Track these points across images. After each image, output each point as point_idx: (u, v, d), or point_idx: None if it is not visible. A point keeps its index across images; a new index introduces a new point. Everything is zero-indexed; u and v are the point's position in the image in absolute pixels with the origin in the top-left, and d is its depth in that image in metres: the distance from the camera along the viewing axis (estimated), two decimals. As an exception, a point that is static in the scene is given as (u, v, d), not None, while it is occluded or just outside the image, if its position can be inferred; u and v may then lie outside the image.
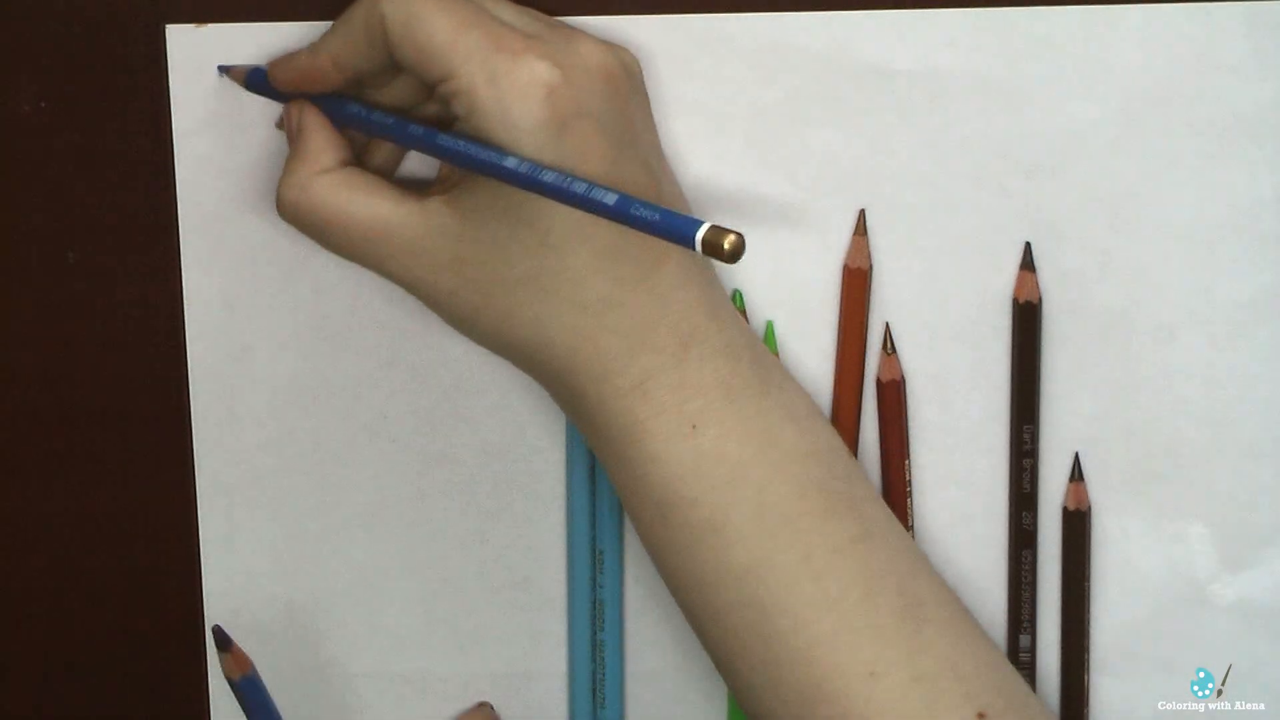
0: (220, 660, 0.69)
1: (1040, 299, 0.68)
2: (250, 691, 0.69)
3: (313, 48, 0.64)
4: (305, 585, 0.71)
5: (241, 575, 0.70)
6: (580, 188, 0.58)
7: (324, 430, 0.70)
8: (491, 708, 0.71)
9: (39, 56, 0.68)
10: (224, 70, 0.67)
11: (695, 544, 0.63)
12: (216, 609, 0.71)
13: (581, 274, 0.62)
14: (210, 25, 0.67)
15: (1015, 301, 0.68)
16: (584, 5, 0.66)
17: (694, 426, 0.62)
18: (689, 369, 0.63)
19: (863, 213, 0.68)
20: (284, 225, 0.68)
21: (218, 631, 0.69)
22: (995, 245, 0.68)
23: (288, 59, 0.65)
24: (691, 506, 0.63)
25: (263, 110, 0.68)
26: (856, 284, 0.68)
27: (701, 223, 0.54)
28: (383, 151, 0.67)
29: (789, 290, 0.68)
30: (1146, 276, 0.68)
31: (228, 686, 0.72)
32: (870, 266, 0.68)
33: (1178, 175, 0.67)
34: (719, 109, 0.67)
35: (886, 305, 0.69)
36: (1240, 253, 0.68)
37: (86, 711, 0.73)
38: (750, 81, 0.67)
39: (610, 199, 0.57)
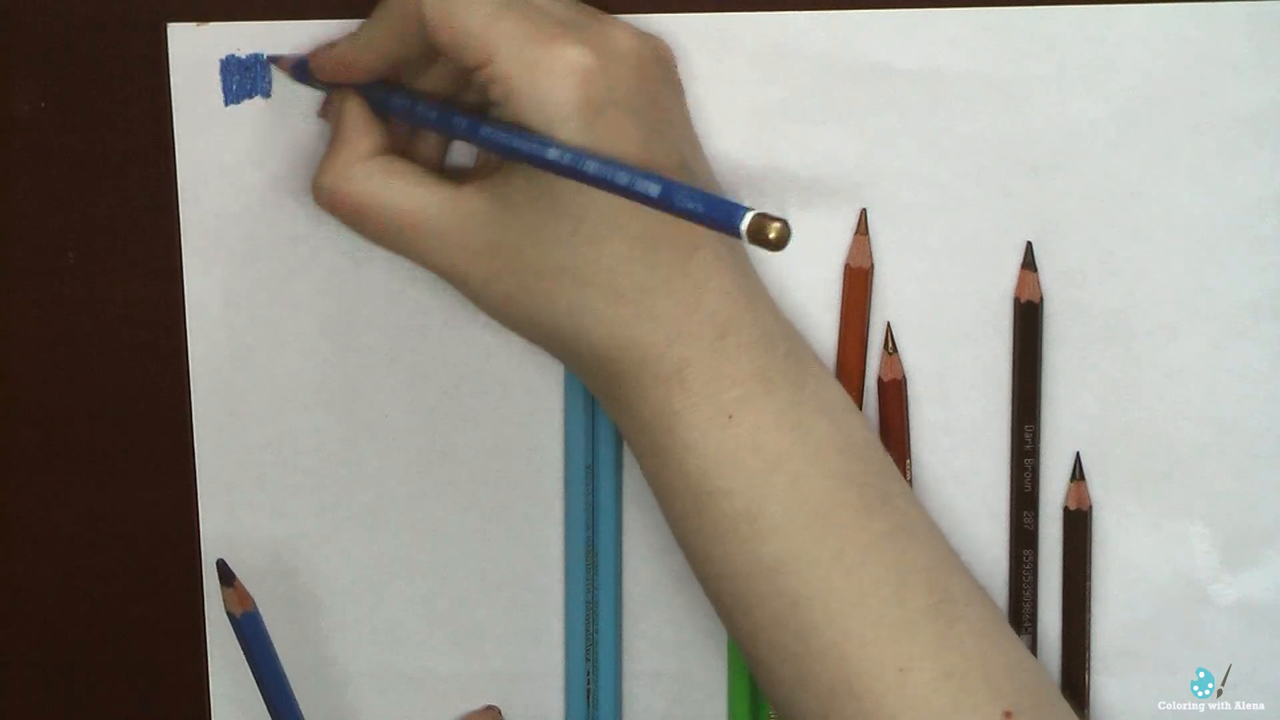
0: (223, 595, 0.70)
1: (1042, 298, 0.68)
2: (251, 628, 0.70)
3: (352, 36, 0.65)
4: (305, 584, 0.71)
5: (242, 575, 0.70)
6: (624, 178, 0.58)
7: (324, 430, 0.70)
8: (499, 712, 0.71)
9: (39, 56, 0.68)
10: (273, 60, 0.67)
11: (728, 535, 0.63)
12: (217, 608, 0.71)
13: (616, 262, 0.62)
14: (211, 24, 0.67)
15: (1016, 301, 0.68)
16: (591, 2, 0.66)
17: (730, 416, 0.62)
18: (725, 358, 0.63)
19: (864, 212, 0.68)
20: (284, 225, 0.69)
21: (221, 566, 0.70)
22: (997, 245, 0.68)
23: (328, 48, 0.65)
24: (726, 497, 0.63)
25: (264, 110, 0.68)
26: (858, 283, 0.68)
27: (746, 210, 0.54)
28: (428, 142, 0.67)
29: (790, 289, 0.68)
30: (1148, 276, 0.68)
31: (229, 686, 0.72)
32: (872, 266, 0.68)
33: (1179, 175, 0.67)
34: (720, 108, 0.67)
35: (888, 304, 0.69)
36: (1241, 253, 0.68)
37: (86, 711, 0.73)
38: (752, 80, 0.67)
39: (654, 189, 0.57)
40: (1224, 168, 0.67)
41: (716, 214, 0.55)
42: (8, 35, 0.68)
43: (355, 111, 0.65)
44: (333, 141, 0.65)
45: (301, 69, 0.66)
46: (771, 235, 0.54)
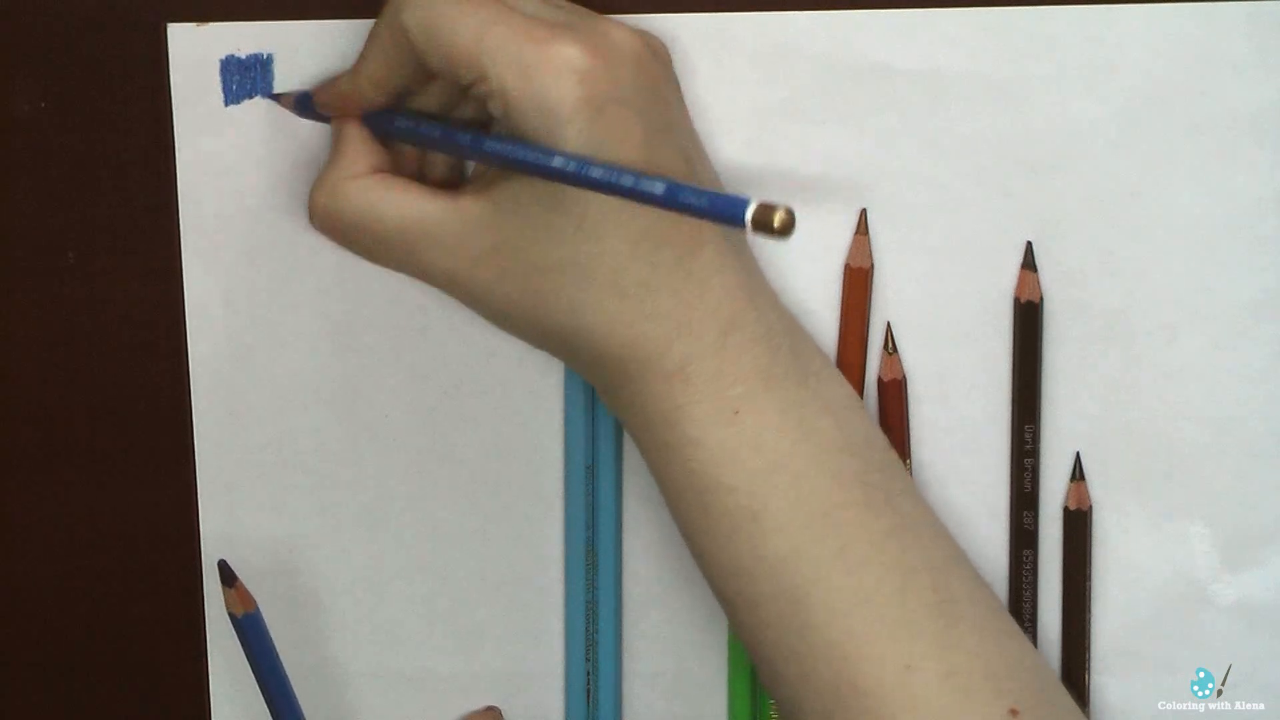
0: (224, 596, 0.70)
1: (1041, 298, 0.68)
2: (252, 629, 0.70)
3: (351, 71, 0.64)
4: (305, 584, 0.71)
5: (242, 575, 0.70)
6: (628, 180, 0.58)
7: (324, 430, 0.70)
8: (499, 712, 0.71)
9: (39, 56, 0.68)
10: (275, 98, 0.67)
11: (733, 532, 0.63)
12: (217, 608, 0.71)
13: (619, 259, 0.62)
14: (211, 24, 0.67)
15: (1016, 301, 0.68)
16: (587, 5, 0.65)
17: (735, 412, 0.62)
18: (728, 356, 0.63)
19: (864, 212, 0.68)
20: (284, 225, 0.69)
21: (223, 567, 0.70)
22: (997, 244, 0.68)
23: (330, 85, 0.65)
24: (730, 493, 0.63)
25: (263, 110, 0.68)
26: (858, 283, 0.68)
27: (749, 201, 0.54)
28: (437, 163, 0.67)
29: (790, 289, 0.68)
30: (1148, 276, 0.68)
31: (229, 687, 0.72)
32: (872, 266, 0.68)
33: (1179, 175, 0.67)
34: (721, 108, 0.67)
35: (888, 304, 0.69)
36: (1241, 253, 0.68)
37: (86, 711, 0.73)
38: (752, 80, 0.67)
39: (659, 188, 0.57)
40: (1224, 168, 0.67)
41: (720, 208, 0.55)
42: (8, 35, 0.68)
43: (351, 133, 0.65)
44: (327, 162, 0.65)
45: (305, 104, 0.66)
46: (776, 223, 0.54)
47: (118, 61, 0.68)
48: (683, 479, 0.63)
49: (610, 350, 0.63)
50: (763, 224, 0.54)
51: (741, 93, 0.67)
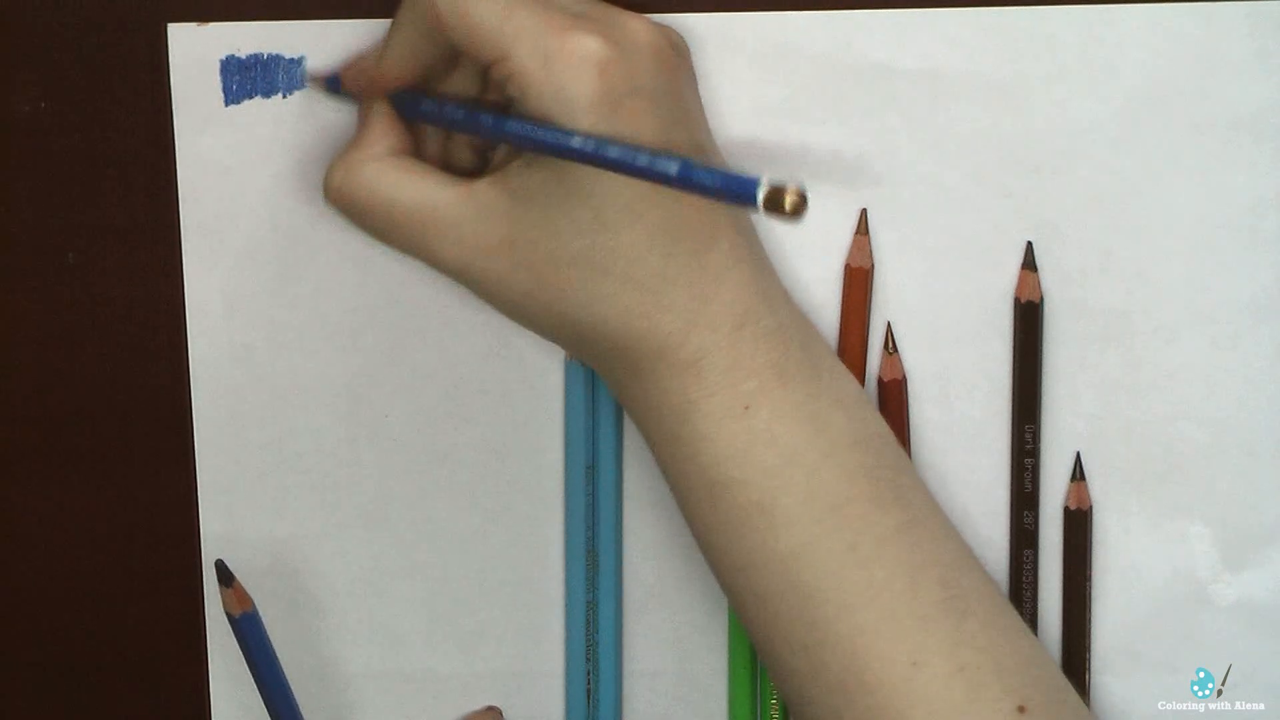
0: (221, 596, 0.70)
1: (1042, 298, 0.68)
2: (249, 629, 0.70)
3: (376, 49, 0.65)
4: (305, 585, 0.71)
5: (241, 575, 0.70)
6: (644, 160, 0.58)
7: (324, 430, 0.70)
8: (500, 712, 0.71)
9: (39, 56, 0.68)
10: (312, 79, 0.67)
11: (743, 526, 0.63)
12: (217, 608, 0.71)
13: (635, 251, 0.62)
14: (212, 24, 0.67)
15: (1017, 301, 0.68)
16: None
17: (747, 407, 0.62)
18: (742, 349, 0.63)
19: (864, 212, 0.68)
20: (284, 225, 0.69)
21: (220, 566, 0.70)
22: (997, 245, 0.68)
23: (356, 64, 0.66)
24: (741, 488, 0.63)
25: (263, 110, 0.68)
26: (858, 283, 0.68)
27: (760, 181, 0.54)
28: (464, 153, 0.67)
29: (791, 289, 0.68)
30: (1148, 276, 0.68)
31: (229, 687, 0.72)
32: (872, 266, 0.68)
33: (1179, 175, 0.67)
34: (721, 108, 0.67)
35: (888, 304, 0.69)
36: (1241, 253, 0.68)
37: (87, 711, 0.73)
38: (752, 80, 0.67)
39: (673, 168, 0.57)
40: (1224, 168, 0.67)
41: (732, 188, 0.55)
42: (8, 35, 0.68)
43: (377, 113, 0.65)
44: (350, 142, 0.65)
45: (335, 83, 0.67)
46: (787, 205, 0.54)
47: (118, 61, 0.68)
48: (693, 473, 0.63)
49: (624, 343, 0.63)
50: (774, 205, 0.54)
51: (741, 93, 0.67)
